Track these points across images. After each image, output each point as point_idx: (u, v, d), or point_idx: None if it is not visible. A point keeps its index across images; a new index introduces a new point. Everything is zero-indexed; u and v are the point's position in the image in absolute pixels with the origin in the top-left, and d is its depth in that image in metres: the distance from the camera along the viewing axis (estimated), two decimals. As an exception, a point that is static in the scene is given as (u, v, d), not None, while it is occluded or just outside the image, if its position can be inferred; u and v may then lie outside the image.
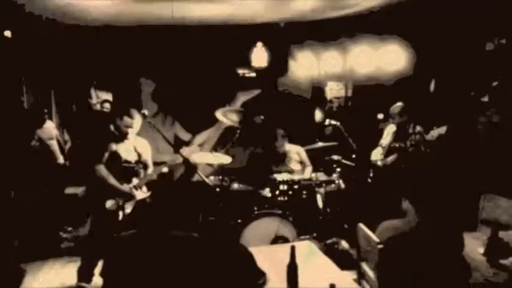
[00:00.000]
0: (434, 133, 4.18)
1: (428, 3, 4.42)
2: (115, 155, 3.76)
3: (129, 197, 3.77)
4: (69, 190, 5.08)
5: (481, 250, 2.91)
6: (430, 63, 5.07)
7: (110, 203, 3.67)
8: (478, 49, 4.59)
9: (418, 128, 4.42)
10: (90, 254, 3.66)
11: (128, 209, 3.74)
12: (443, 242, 2.45)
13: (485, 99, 4.22)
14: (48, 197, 4.75)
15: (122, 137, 3.81)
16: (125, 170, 3.81)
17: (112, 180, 3.70)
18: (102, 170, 3.69)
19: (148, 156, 3.99)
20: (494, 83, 4.20)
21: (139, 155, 3.90)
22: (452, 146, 4.16)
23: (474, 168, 4.08)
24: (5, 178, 4.40)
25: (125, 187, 3.77)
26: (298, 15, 5.02)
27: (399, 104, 4.57)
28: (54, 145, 4.93)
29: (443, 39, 4.77)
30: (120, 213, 3.71)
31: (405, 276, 2.39)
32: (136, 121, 3.85)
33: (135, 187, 3.82)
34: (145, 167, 3.98)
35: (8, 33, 4.77)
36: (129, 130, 3.80)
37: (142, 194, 3.85)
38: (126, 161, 3.81)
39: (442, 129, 4.16)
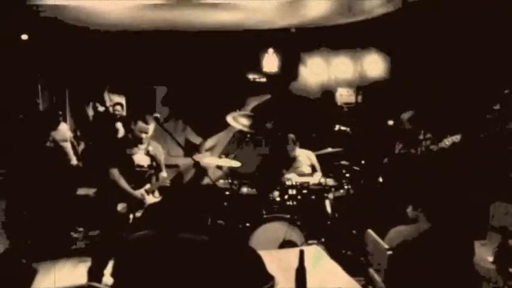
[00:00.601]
0: (448, 141, 4.14)
1: (436, 9, 4.41)
2: (128, 159, 3.81)
3: (140, 201, 3.80)
4: (81, 191, 5.15)
5: (491, 258, 2.89)
6: (441, 70, 5.05)
7: (121, 206, 3.71)
8: (491, 56, 4.57)
9: (429, 135, 4.41)
10: (100, 255, 3.70)
11: (139, 212, 3.78)
12: (453, 250, 2.44)
13: (497, 107, 4.19)
14: (61, 197, 4.82)
15: (135, 141, 3.85)
16: (138, 175, 3.84)
17: (123, 184, 3.74)
18: (115, 173, 3.74)
19: (161, 160, 4.02)
20: (506, 91, 4.17)
21: (152, 159, 3.93)
22: (463, 154, 4.13)
23: (484, 175, 4.05)
24: (18, 178, 4.48)
25: (136, 192, 3.79)
26: (309, 22, 5.05)
27: (410, 111, 4.57)
28: (67, 147, 5.02)
29: (454, 45, 4.76)
30: (131, 216, 3.75)
31: (414, 282, 2.38)
32: (151, 126, 3.88)
33: (147, 191, 3.84)
34: (157, 170, 4.01)
35: (24, 37, 4.88)
36: (143, 135, 3.84)
37: (153, 198, 3.87)
38: (139, 166, 3.85)
39: (456, 138, 4.11)
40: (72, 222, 5.00)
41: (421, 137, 4.41)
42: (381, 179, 4.63)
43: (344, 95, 6.19)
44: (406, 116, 4.55)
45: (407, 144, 4.48)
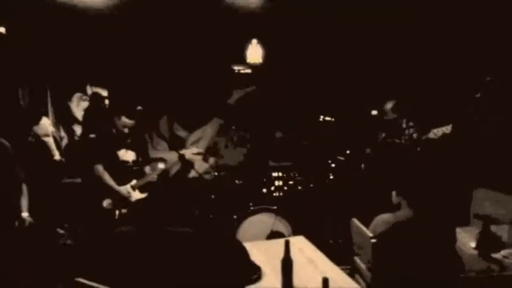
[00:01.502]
0: (438, 132, 4.15)
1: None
2: (113, 155, 3.77)
3: (126, 197, 3.76)
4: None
5: (473, 244, 2.95)
6: (422, 59, 5.10)
7: (106, 202, 3.68)
8: (471, 45, 4.62)
9: (411, 123, 4.45)
10: (86, 250, 3.67)
11: (124, 209, 3.75)
12: (436, 236, 2.49)
13: (478, 95, 4.24)
14: (45, 192, 4.74)
15: (119, 136, 3.81)
16: (123, 170, 3.80)
17: (108, 180, 3.70)
18: (99, 169, 3.70)
19: (146, 154, 3.99)
20: (488, 78, 4.22)
21: (137, 154, 3.90)
22: (450, 143, 4.17)
23: (466, 162, 4.11)
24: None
25: (122, 188, 3.76)
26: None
27: (392, 101, 4.60)
28: (50, 142, 4.94)
29: (437, 34, 4.80)
30: (117, 212, 3.72)
31: (398, 270, 2.43)
32: (134, 120, 3.82)
33: (133, 187, 3.82)
34: (143, 165, 3.97)
35: (2, 30, 4.76)
36: (126, 130, 3.80)
37: (139, 194, 3.84)
38: (124, 161, 3.82)
39: (447, 129, 4.12)
40: (58, 218, 4.93)
41: (404, 125, 4.45)
42: (363, 167, 4.67)
43: None
44: (388, 105, 4.57)
45: (390, 134, 4.52)
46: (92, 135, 4.00)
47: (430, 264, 2.39)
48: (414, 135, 4.39)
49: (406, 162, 4.23)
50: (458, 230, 2.70)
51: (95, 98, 5.57)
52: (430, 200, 2.52)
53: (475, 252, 2.89)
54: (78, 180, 4.82)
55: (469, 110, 4.25)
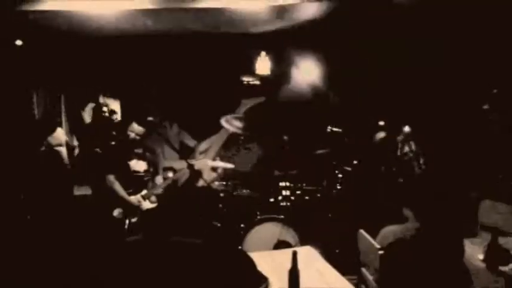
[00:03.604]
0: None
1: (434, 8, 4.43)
2: (124, 165, 3.82)
3: (136, 207, 3.81)
4: (78, 192, 5.14)
5: (481, 256, 2.94)
6: (431, 70, 5.09)
7: (117, 212, 3.73)
8: (479, 57, 4.61)
9: (413, 146, 4.44)
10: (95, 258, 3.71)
11: (134, 218, 3.80)
12: (444, 248, 2.49)
13: (486, 106, 4.24)
14: (57, 201, 4.81)
15: (131, 145, 3.86)
16: (135, 180, 3.85)
17: (119, 190, 3.74)
18: (110, 178, 3.76)
19: (158, 164, 4.03)
20: (495, 90, 4.22)
21: (148, 164, 3.94)
22: (452, 153, 4.17)
23: (473, 173, 4.10)
24: (15, 183, 4.48)
25: (132, 198, 3.80)
26: (299, 24, 5.08)
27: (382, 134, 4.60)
28: (63, 151, 5.02)
29: (448, 43, 4.80)
30: (127, 222, 3.76)
31: (405, 282, 2.43)
32: (144, 129, 3.87)
33: (143, 197, 3.86)
34: (154, 175, 4.01)
35: (19, 42, 4.88)
36: (137, 137, 3.85)
37: (149, 204, 3.87)
38: (135, 171, 3.87)
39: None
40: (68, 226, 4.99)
41: (407, 149, 4.43)
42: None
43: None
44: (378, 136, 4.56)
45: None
46: (102, 146, 4.07)
47: (437, 277, 2.39)
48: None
49: (412, 174, 4.23)
50: (465, 242, 2.70)
51: (106, 109, 5.66)
52: (437, 212, 2.52)
53: (483, 264, 2.88)
54: (89, 192, 4.90)
55: (477, 121, 4.24)
